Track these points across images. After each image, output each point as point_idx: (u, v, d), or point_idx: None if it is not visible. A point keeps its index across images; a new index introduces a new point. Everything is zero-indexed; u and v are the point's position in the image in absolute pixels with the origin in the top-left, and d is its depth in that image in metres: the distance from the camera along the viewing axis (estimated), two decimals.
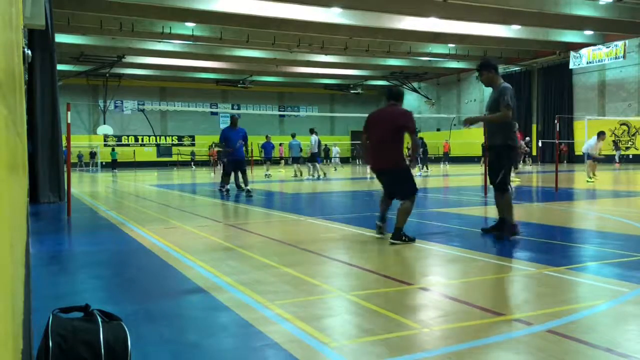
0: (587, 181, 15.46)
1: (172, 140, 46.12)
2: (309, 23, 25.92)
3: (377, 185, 15.77)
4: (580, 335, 2.79)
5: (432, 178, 20.36)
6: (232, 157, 12.42)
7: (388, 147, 5.92)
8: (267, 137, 24.55)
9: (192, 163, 40.96)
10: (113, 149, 37.35)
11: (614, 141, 31.67)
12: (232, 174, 12.82)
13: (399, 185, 6.00)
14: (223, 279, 4.15)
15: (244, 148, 12.41)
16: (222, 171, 12.89)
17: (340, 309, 3.40)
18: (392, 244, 5.60)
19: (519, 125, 32.76)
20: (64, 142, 9.38)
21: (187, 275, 4.37)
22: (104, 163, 39.39)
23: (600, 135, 16.08)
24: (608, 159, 24.84)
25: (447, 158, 36.57)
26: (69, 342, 2.21)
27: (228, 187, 12.60)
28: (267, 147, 23.62)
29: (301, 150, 22.88)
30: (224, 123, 47.84)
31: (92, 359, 2.22)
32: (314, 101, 50.79)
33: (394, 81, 46.15)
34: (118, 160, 36.95)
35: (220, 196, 12.25)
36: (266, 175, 22.60)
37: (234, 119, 12.35)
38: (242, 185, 12.50)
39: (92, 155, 39.49)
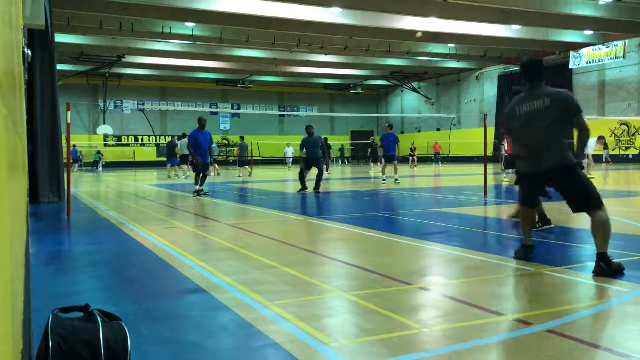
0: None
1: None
2: (309, 23, 25.90)
3: (376, 186, 15.71)
4: (580, 335, 2.79)
5: (430, 178, 20.36)
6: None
7: None
8: (389, 126, 17.46)
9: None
10: (97, 152, 38.04)
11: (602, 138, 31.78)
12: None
13: None
14: (223, 279, 4.15)
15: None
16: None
17: (340, 309, 3.40)
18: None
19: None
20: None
21: (187, 275, 4.37)
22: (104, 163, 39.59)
23: (600, 139, 16.53)
24: (597, 159, 25.01)
25: (438, 159, 37.15)
26: (69, 342, 2.21)
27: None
28: (387, 140, 16.86)
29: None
30: (224, 123, 47.88)
31: (92, 359, 2.22)
32: (314, 101, 50.78)
33: (394, 81, 46.15)
34: (114, 160, 37.16)
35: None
36: (383, 180, 16.57)
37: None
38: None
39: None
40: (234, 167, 30.72)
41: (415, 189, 14.60)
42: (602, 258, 4.14)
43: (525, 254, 4.69)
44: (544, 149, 4.40)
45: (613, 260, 4.15)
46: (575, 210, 4.46)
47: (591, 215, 4.29)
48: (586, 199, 4.32)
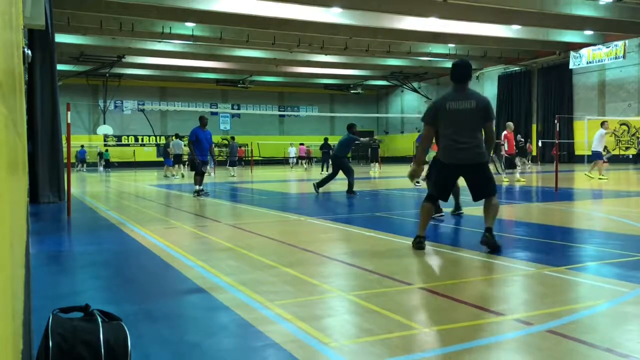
0: (600, 178, 16.01)
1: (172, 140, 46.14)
2: (309, 23, 25.91)
3: (378, 186, 15.69)
4: (580, 335, 2.79)
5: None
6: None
7: None
8: None
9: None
10: (106, 150, 38.18)
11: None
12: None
13: None
14: (223, 279, 4.15)
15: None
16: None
17: (340, 309, 3.40)
18: None
19: (517, 125, 32.78)
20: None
21: (187, 275, 4.36)
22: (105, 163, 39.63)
23: (604, 124, 16.47)
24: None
25: None
26: (69, 342, 2.21)
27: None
28: None
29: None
30: (224, 123, 47.90)
31: (92, 359, 2.22)
32: (314, 101, 50.78)
33: (394, 81, 46.14)
34: (115, 160, 37.15)
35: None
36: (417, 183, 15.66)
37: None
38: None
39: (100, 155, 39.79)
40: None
41: (416, 189, 14.59)
42: (490, 231, 5.06)
43: (422, 243, 5.26)
44: (467, 145, 5.08)
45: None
46: (477, 199, 5.26)
47: (488, 199, 5.19)
48: (490, 188, 5.21)
